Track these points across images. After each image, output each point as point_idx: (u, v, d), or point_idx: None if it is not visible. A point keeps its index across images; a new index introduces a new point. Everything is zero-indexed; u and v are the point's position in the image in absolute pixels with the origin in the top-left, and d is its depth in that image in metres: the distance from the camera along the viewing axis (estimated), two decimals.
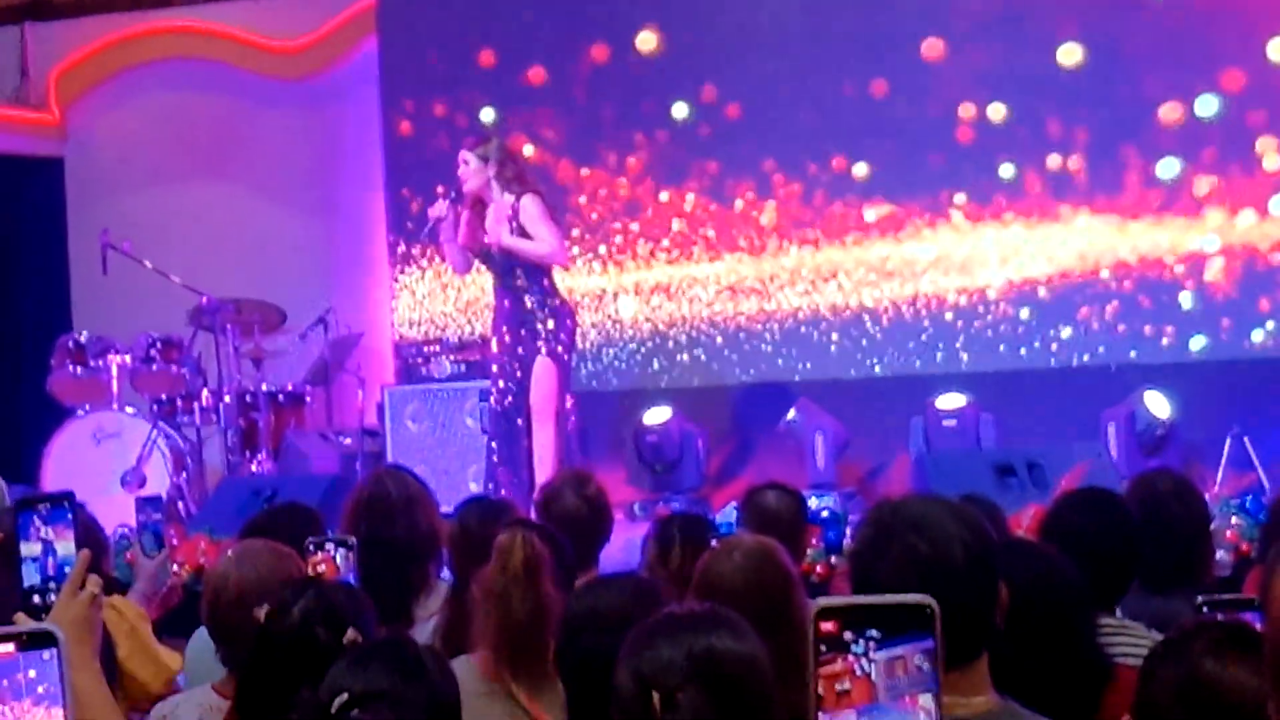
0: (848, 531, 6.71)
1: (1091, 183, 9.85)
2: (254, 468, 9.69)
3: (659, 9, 10.59)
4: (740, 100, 10.37)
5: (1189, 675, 2.34)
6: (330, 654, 2.83)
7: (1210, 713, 2.31)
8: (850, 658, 1.73)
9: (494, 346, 8.12)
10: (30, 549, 2.67)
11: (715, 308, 10.47)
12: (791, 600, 3.36)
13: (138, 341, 9.79)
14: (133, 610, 4.68)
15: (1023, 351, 9.93)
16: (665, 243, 10.55)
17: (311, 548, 3.80)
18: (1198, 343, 9.67)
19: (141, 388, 9.93)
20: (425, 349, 10.02)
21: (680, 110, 10.51)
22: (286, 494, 7.33)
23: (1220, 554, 6.15)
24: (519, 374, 7.90)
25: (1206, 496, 5.35)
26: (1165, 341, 9.72)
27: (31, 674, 1.97)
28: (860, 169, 10.20)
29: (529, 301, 7.89)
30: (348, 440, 9.95)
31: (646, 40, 10.56)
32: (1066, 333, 9.87)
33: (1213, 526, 5.32)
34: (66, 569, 2.63)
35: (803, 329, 10.31)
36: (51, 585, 2.64)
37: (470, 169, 7.95)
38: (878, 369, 10.18)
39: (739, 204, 10.40)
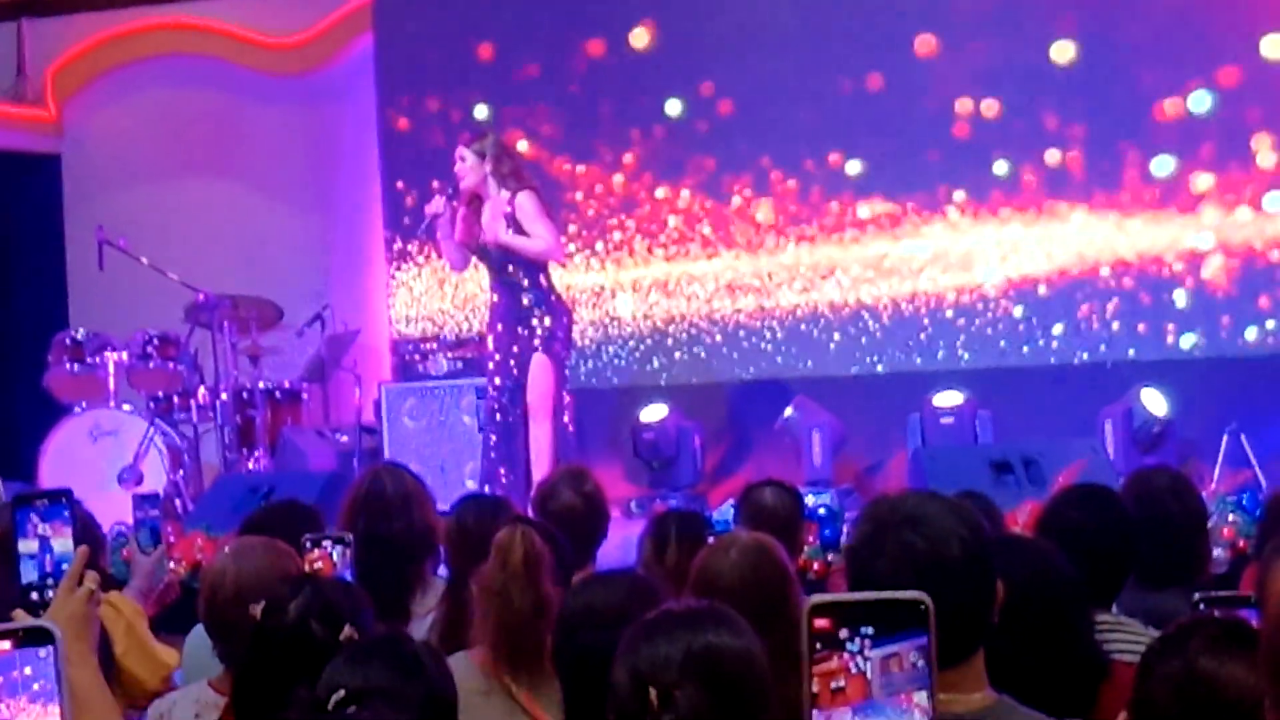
0: (844, 528, 6.72)
1: (1088, 180, 9.85)
2: (251, 465, 9.69)
3: (655, 5, 10.58)
4: (737, 96, 10.37)
5: (1186, 672, 2.34)
6: (327, 651, 2.83)
7: (1207, 709, 2.31)
8: (845, 655, 1.73)
9: (490, 343, 8.12)
10: (27, 546, 2.67)
11: (712, 305, 10.46)
12: (788, 597, 3.36)
13: (134, 338, 9.78)
14: (129, 607, 4.67)
15: (1023, 349, 9.93)
16: (662, 239, 10.55)
17: (308, 545, 3.80)
18: (1194, 340, 9.68)
19: (138, 385, 9.92)
20: (422, 346, 10.01)
21: (677, 106, 10.51)
22: (283, 491, 7.33)
23: (1217, 551, 6.16)
24: (516, 371, 7.90)
25: (1203, 494, 5.36)
26: (1162, 339, 9.72)
27: (28, 671, 1.98)
28: (858, 166, 10.20)
29: (525, 298, 7.89)
30: (344, 437, 9.95)
31: (643, 36, 10.56)
32: (1064, 330, 9.88)
33: (1209, 523, 5.32)
34: (64, 566, 2.63)
35: (800, 326, 10.31)
36: (49, 582, 2.64)
37: (467, 165, 7.95)
38: (875, 366, 10.18)
39: (736, 200, 10.40)
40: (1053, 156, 9.88)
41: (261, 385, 9.89)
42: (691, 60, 10.45)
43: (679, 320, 10.53)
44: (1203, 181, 9.64)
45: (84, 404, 9.79)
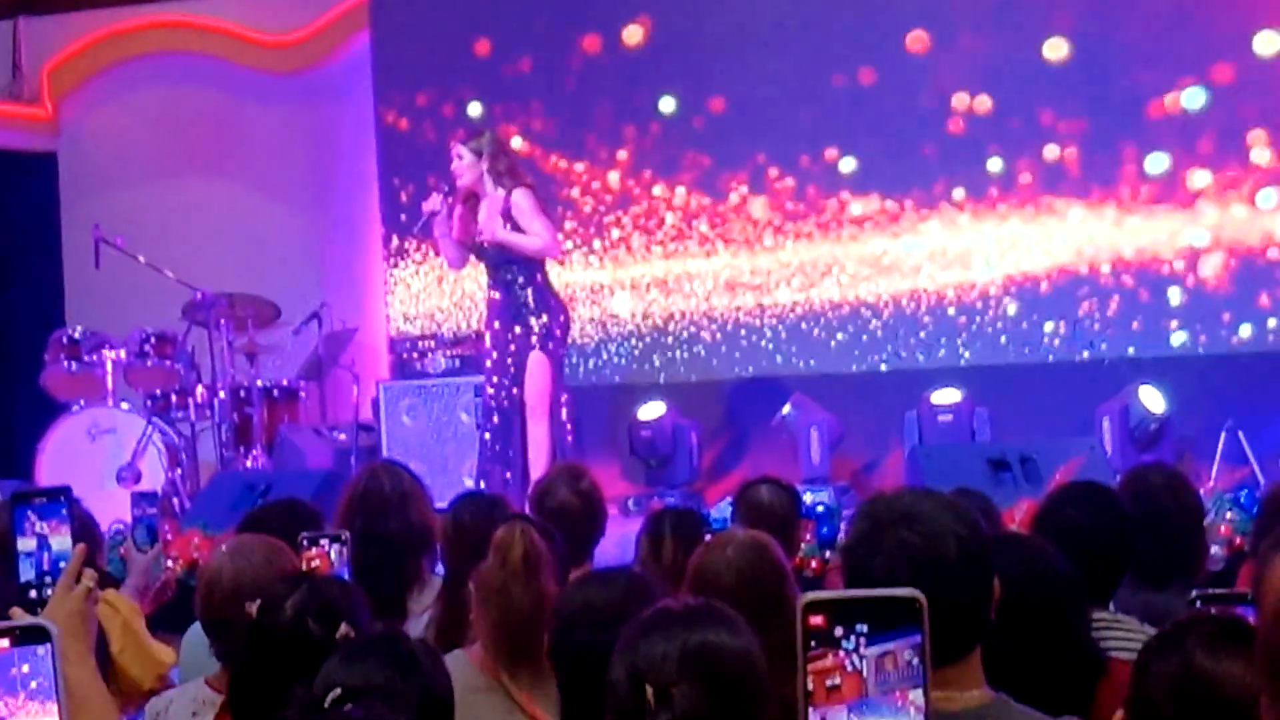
0: (842, 526, 6.72)
1: (1085, 177, 9.85)
2: (248, 463, 9.68)
3: (651, 2, 10.57)
4: (733, 93, 10.36)
5: (1183, 669, 2.34)
6: (323, 649, 2.83)
7: (1204, 707, 2.31)
8: (840, 653, 1.73)
9: (488, 341, 8.12)
10: (25, 544, 2.67)
11: (709, 303, 10.46)
12: (785, 595, 3.36)
13: (131, 337, 9.78)
14: (126, 605, 4.67)
15: (1021, 347, 9.93)
16: (659, 235, 10.55)
17: (305, 543, 3.80)
18: (1192, 337, 9.68)
19: (135, 383, 9.91)
20: (420, 344, 10.01)
21: (672, 104, 10.51)
22: (280, 489, 7.34)
23: (1214, 548, 6.16)
24: (513, 369, 7.90)
25: (1201, 491, 5.36)
26: (1160, 336, 9.73)
27: (25, 669, 1.98)
28: (855, 163, 10.20)
29: (522, 296, 7.89)
30: (342, 435, 9.95)
31: (639, 33, 10.55)
32: (1061, 327, 9.87)
33: (1207, 521, 5.33)
34: (62, 564, 2.63)
35: (798, 324, 10.31)
36: (47, 580, 2.64)
37: (463, 163, 7.95)
38: (873, 364, 10.18)
39: (733, 198, 10.39)
40: (1049, 154, 9.88)
41: (259, 383, 9.88)
42: (687, 57, 10.45)
43: (676, 318, 10.53)
44: (1200, 179, 9.65)
45: (82, 402, 9.78)
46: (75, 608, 2.56)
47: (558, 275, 8.45)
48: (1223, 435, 8.21)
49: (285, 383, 10.10)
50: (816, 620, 1.74)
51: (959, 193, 10.01)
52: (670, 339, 10.53)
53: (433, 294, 10.93)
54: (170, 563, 6.85)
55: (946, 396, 9.25)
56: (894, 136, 10.06)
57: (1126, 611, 3.83)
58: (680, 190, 10.48)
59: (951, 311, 10.06)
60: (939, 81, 10.01)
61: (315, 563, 3.75)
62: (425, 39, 10.91)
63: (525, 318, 7.88)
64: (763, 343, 10.36)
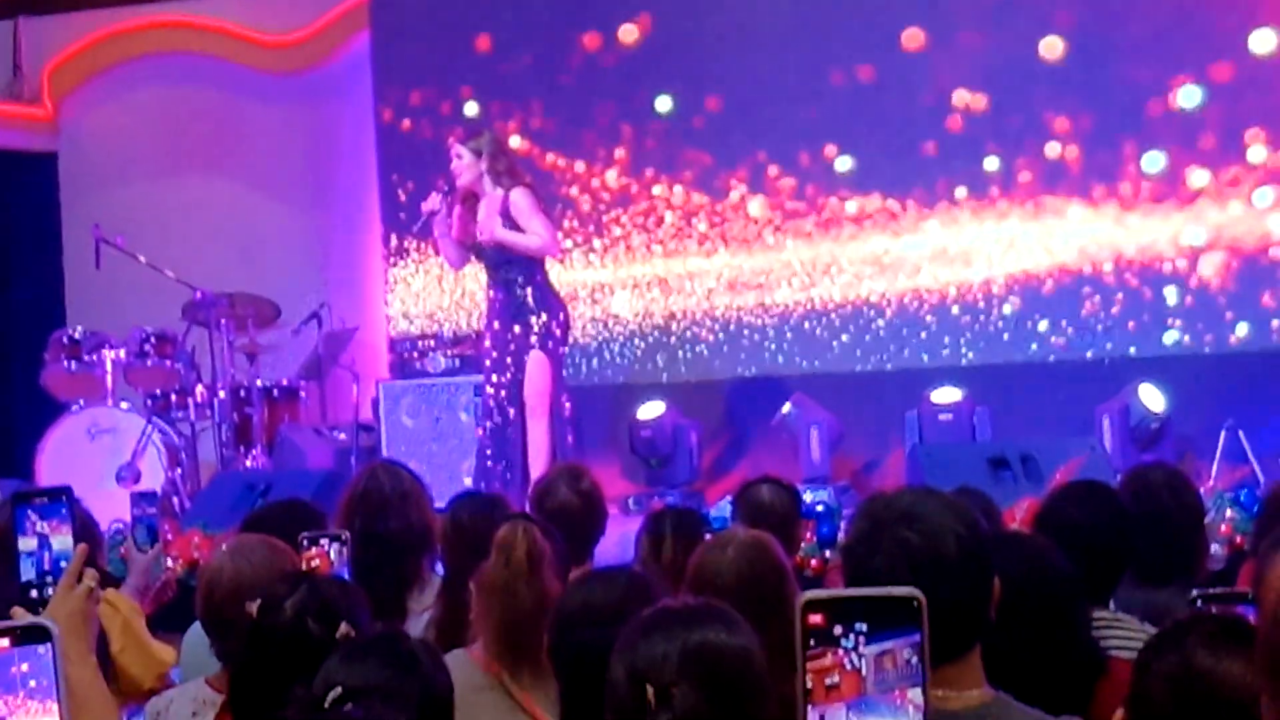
0: (842, 525, 6.72)
1: (1085, 176, 9.85)
2: (248, 463, 9.68)
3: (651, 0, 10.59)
4: (734, 91, 10.35)
5: (1183, 668, 2.34)
6: (323, 648, 2.83)
7: (1204, 706, 2.31)
8: (840, 651, 1.73)
9: (487, 341, 8.12)
10: (27, 544, 2.67)
11: (709, 302, 10.46)
12: (785, 594, 3.36)
13: (131, 336, 9.77)
14: (126, 604, 4.67)
15: (1022, 346, 9.93)
16: (659, 234, 10.55)
17: (305, 542, 3.79)
18: (1192, 336, 9.68)
19: (135, 383, 9.91)
20: (420, 343, 10.01)
21: (672, 102, 10.50)
22: (280, 489, 7.34)
23: (1214, 547, 6.16)
24: (512, 368, 7.90)
25: (1201, 490, 5.36)
26: (1159, 335, 9.73)
27: (26, 668, 1.98)
28: (855, 163, 10.19)
29: (522, 295, 7.89)
30: (342, 435, 9.95)
31: (640, 31, 10.54)
32: (1061, 326, 9.87)
33: (1207, 520, 5.33)
34: (63, 564, 2.63)
35: (800, 323, 10.31)
36: (48, 580, 2.64)
37: (463, 163, 7.95)
38: (874, 363, 10.18)
39: (733, 196, 10.39)
40: (1048, 153, 9.88)
41: (259, 383, 9.88)
42: (687, 55, 10.44)
43: (676, 317, 10.53)
44: (1199, 177, 9.65)
45: (81, 402, 9.78)
46: (76, 607, 2.56)
47: (557, 274, 8.45)
48: (1223, 434, 8.21)
49: (285, 382, 10.10)
50: (815, 619, 1.74)
51: (960, 191, 10.01)
52: (670, 338, 10.53)
53: (433, 293, 10.93)
54: (171, 562, 6.85)
55: (947, 395, 9.25)
56: (897, 138, 10.06)
57: (1127, 610, 3.83)
58: (678, 190, 10.48)
59: (954, 311, 10.06)
60: (939, 79, 10.01)
61: (315, 562, 3.74)
62: (425, 38, 10.91)
63: (525, 317, 7.88)
64: (763, 342, 10.36)
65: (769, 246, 10.36)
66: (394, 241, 10.94)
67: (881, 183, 10.15)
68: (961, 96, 9.99)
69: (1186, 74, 9.64)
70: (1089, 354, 9.81)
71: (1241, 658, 2.28)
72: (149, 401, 9.84)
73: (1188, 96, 9.65)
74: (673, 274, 10.53)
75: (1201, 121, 9.64)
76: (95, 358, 9.78)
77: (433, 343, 9.91)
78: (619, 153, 10.56)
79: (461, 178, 7.96)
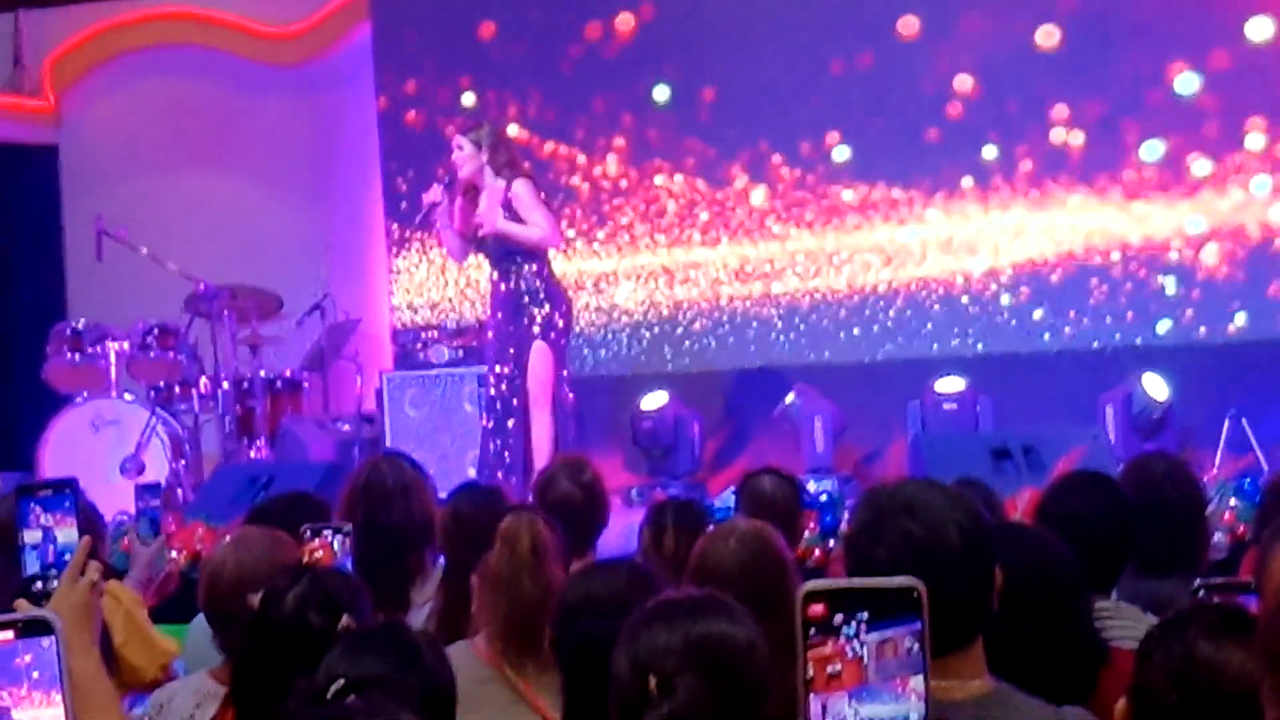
0: (844, 516, 6.72)
1: (1086, 165, 9.84)
2: (251, 454, 9.69)
3: None
4: (736, 80, 10.34)
5: (1185, 658, 2.34)
6: (325, 640, 2.83)
7: (1206, 695, 2.31)
8: (841, 640, 1.73)
9: (490, 332, 8.12)
10: (31, 536, 2.67)
11: (712, 292, 10.46)
12: (787, 585, 3.37)
13: (134, 328, 9.78)
14: (129, 596, 4.68)
15: (1024, 336, 9.92)
16: (662, 224, 10.54)
17: (308, 534, 3.80)
18: (1195, 325, 9.67)
19: (138, 375, 9.92)
20: (423, 335, 10.01)
21: (670, 92, 10.49)
22: (283, 481, 7.34)
23: (1217, 536, 6.15)
24: (515, 359, 7.90)
25: (1204, 479, 5.37)
26: (1162, 324, 9.72)
27: (28, 659, 1.98)
28: (858, 151, 10.18)
29: (525, 286, 7.89)
30: (345, 427, 9.95)
31: (642, 20, 10.54)
32: (1064, 316, 9.87)
33: (1210, 509, 5.33)
34: (67, 556, 2.63)
35: (800, 313, 10.31)
36: (52, 573, 2.64)
37: (464, 154, 7.95)
38: (876, 353, 10.17)
39: (737, 184, 10.38)
40: (1049, 142, 9.87)
41: (262, 375, 9.89)
42: (687, 44, 10.43)
43: (678, 308, 10.53)
44: (1201, 165, 9.63)
45: (85, 394, 9.79)
46: (80, 600, 2.56)
47: (559, 264, 8.44)
48: (1226, 423, 8.21)
49: (288, 374, 10.10)
50: (816, 609, 1.74)
51: (967, 181, 9.99)
52: (673, 329, 10.53)
53: (436, 284, 10.93)
54: (174, 555, 6.85)
55: (949, 386, 9.25)
56: (896, 122, 10.04)
57: (1129, 600, 3.84)
58: (679, 178, 10.47)
59: (960, 300, 10.05)
60: (937, 67, 9.99)
61: (317, 554, 3.74)
62: (426, 29, 10.90)
63: (528, 308, 7.88)
64: (764, 332, 10.36)
65: (770, 236, 10.36)
66: (396, 232, 10.93)
67: (884, 172, 10.14)
68: (964, 81, 9.97)
69: (1186, 62, 9.62)
70: (1094, 344, 9.80)
71: (1243, 647, 2.28)
72: (152, 394, 9.84)
73: (1185, 84, 9.63)
74: (675, 264, 10.52)
75: (1201, 109, 9.63)
76: (98, 350, 9.78)
77: (436, 334, 9.92)
78: (619, 141, 10.55)
79: (462, 169, 7.96)
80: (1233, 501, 6.58)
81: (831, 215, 10.26)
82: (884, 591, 1.76)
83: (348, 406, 10.20)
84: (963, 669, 2.52)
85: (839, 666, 1.73)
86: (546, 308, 7.89)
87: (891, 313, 10.16)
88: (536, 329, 7.87)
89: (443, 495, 5.03)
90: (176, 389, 9.85)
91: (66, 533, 2.66)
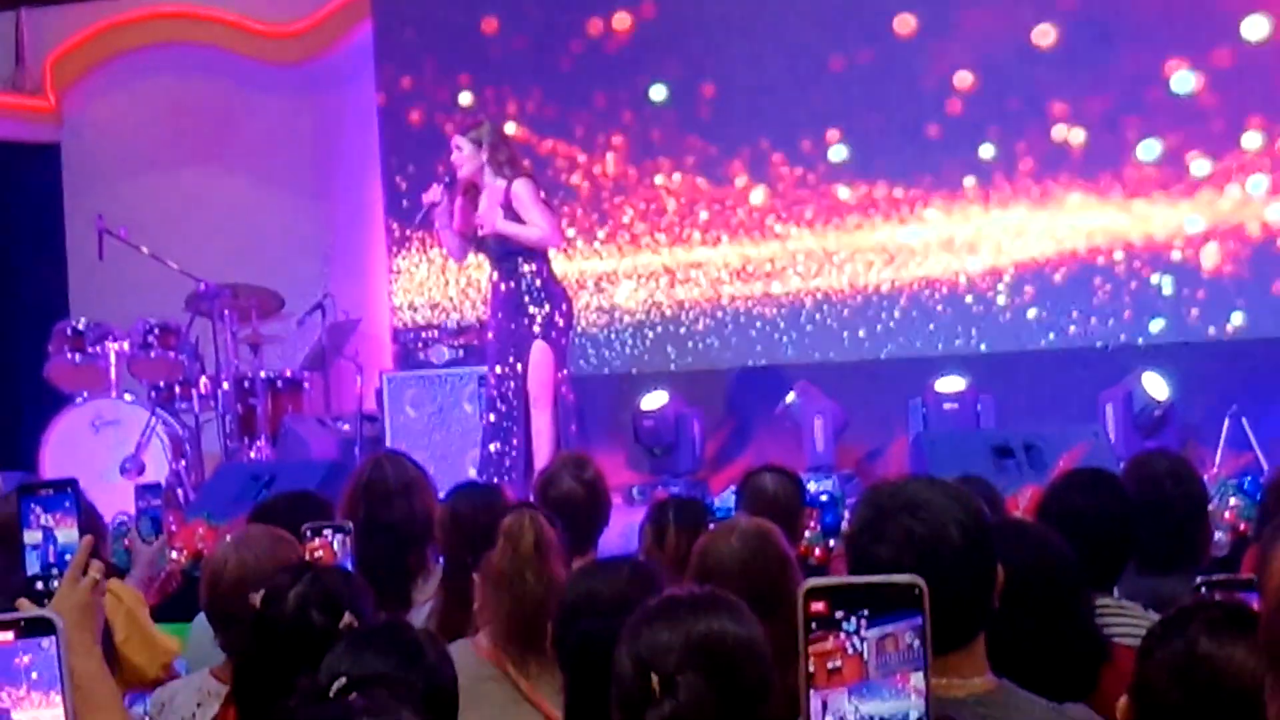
0: (845, 514, 6.71)
1: (1087, 164, 9.83)
2: (252, 454, 9.68)
3: None
4: (736, 78, 10.33)
5: (1186, 655, 2.34)
6: (326, 639, 2.83)
7: (1207, 692, 2.31)
8: (842, 636, 1.73)
9: (490, 331, 8.12)
10: (32, 536, 2.67)
11: (713, 291, 10.45)
12: (789, 583, 3.36)
13: (135, 328, 9.78)
14: (130, 594, 4.68)
15: (1025, 334, 9.91)
16: (662, 223, 10.54)
17: (309, 533, 3.80)
18: (1195, 323, 9.66)
19: (139, 374, 9.92)
20: (424, 334, 10.01)
21: (667, 91, 10.49)
22: (284, 480, 7.34)
23: (1218, 534, 6.15)
24: (515, 358, 7.90)
25: (1205, 477, 5.36)
26: (1162, 322, 9.72)
27: (27, 659, 1.98)
28: (858, 149, 10.18)
29: (525, 286, 7.89)
30: (346, 426, 9.94)
31: (642, 18, 10.53)
32: (1066, 314, 9.86)
33: (1211, 507, 5.33)
34: (68, 556, 2.63)
35: (802, 312, 10.30)
36: (54, 572, 2.64)
37: (463, 154, 7.94)
38: (878, 352, 10.17)
39: (738, 182, 10.37)
40: (1049, 140, 9.86)
41: (263, 374, 9.88)
42: (687, 41, 10.43)
43: (680, 307, 10.52)
44: (1201, 165, 9.63)
45: (85, 394, 9.79)
46: (82, 600, 2.56)
47: (559, 264, 8.44)
48: (1226, 421, 8.21)
49: (289, 373, 10.10)
50: (817, 607, 1.74)
51: (969, 180, 9.98)
52: (674, 327, 10.52)
53: (436, 284, 10.93)
54: (175, 554, 6.85)
55: (951, 384, 9.25)
56: (896, 120, 10.03)
57: (1131, 598, 3.84)
58: (677, 176, 10.47)
59: (961, 299, 10.04)
60: (937, 64, 9.99)
61: (319, 553, 3.74)
62: (427, 27, 10.90)
63: (528, 307, 7.88)
64: (767, 331, 10.35)
65: (771, 235, 10.35)
66: (397, 231, 10.93)
67: (885, 170, 10.13)
68: (964, 79, 9.96)
69: (1184, 60, 9.61)
70: (1093, 341, 9.79)
71: (1245, 644, 2.28)
72: (153, 393, 9.84)
73: (1183, 82, 9.63)
74: (676, 263, 10.52)
75: (1199, 108, 9.62)
76: (99, 349, 9.78)
77: (436, 333, 9.92)
78: (625, 141, 10.55)
79: (462, 169, 7.96)
80: (1234, 499, 6.58)
81: (832, 214, 10.25)
82: (885, 588, 1.76)
83: (349, 406, 10.19)
84: (964, 666, 2.52)
85: (840, 663, 1.73)
86: (547, 307, 7.88)
87: (894, 311, 10.15)
88: (537, 328, 7.87)
89: (442, 495, 5.03)
90: (177, 388, 9.85)
91: (67, 533, 2.66)
